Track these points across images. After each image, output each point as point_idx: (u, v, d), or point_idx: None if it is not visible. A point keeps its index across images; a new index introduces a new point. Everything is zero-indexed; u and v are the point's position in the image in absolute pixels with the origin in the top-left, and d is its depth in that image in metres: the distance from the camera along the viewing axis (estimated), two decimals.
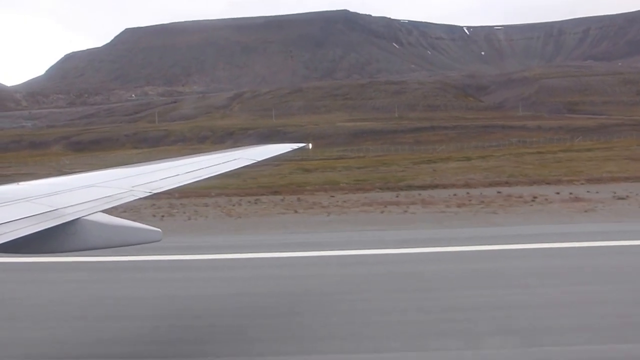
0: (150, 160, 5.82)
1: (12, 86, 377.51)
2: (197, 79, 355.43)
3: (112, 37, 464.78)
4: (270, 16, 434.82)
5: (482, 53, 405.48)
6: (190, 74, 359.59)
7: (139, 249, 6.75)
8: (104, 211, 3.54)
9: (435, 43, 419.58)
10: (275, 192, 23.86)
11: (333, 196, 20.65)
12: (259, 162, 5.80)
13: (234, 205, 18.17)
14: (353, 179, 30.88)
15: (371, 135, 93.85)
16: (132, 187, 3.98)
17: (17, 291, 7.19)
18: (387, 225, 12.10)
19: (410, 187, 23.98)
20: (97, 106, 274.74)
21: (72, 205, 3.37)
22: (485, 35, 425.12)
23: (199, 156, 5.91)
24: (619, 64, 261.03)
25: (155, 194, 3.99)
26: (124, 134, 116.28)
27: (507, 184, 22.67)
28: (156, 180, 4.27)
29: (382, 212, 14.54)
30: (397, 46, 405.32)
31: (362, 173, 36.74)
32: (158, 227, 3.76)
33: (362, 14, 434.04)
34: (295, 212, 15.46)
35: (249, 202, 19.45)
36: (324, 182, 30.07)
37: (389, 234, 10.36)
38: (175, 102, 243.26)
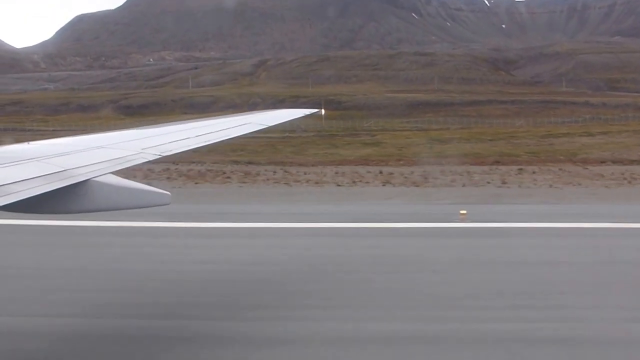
0: None
1: (23, 48, 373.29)
2: (214, 44, 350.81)
3: (123, 0, 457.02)
4: None
5: (503, 26, 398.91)
6: (207, 40, 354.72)
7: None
8: (113, 173, 3.50)
9: (455, 14, 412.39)
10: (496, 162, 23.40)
11: (587, 168, 20.28)
12: (269, 127, 5.66)
13: (513, 175, 17.70)
14: (524, 152, 30.37)
15: (429, 107, 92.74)
16: (142, 149, 3.96)
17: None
18: None
19: (617, 162, 23.49)
20: (116, 70, 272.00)
21: (82, 166, 3.35)
22: (506, 8, 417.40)
23: (209, 120, 5.77)
24: None
25: (164, 156, 3.97)
26: (170, 99, 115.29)
27: None
28: (166, 143, 4.25)
29: None
30: (416, 17, 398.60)
31: (511, 146, 36.17)
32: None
33: None
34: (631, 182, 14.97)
35: (517, 172, 18.97)
36: (500, 153, 29.55)
37: None
38: (196, 67, 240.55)
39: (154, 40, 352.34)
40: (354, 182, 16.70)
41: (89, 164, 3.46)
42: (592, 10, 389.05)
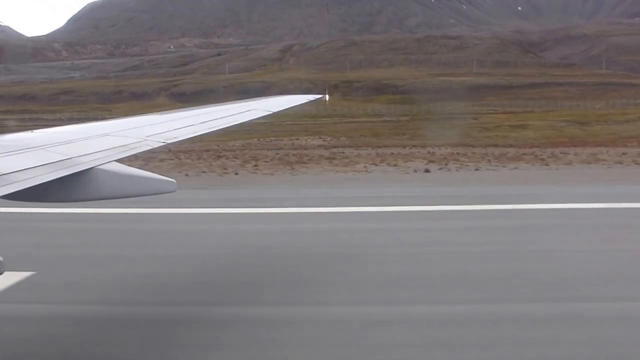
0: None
1: (35, 37, 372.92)
2: (233, 30, 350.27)
3: None
4: None
5: (519, 8, 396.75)
6: (225, 26, 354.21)
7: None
8: (117, 161, 3.55)
9: None
10: None
11: None
12: (274, 113, 5.68)
13: None
14: None
15: (487, 91, 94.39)
16: (147, 136, 4.01)
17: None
18: None
19: None
20: (138, 57, 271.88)
21: (86, 154, 3.38)
22: None
23: (213, 106, 5.85)
24: None
25: (169, 144, 4.01)
26: (221, 85, 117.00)
27: None
28: (170, 130, 4.29)
29: None
30: (432, 0, 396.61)
31: None
32: None
33: None
34: None
35: None
36: None
37: None
38: (219, 54, 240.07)
39: (172, 26, 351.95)
40: None
41: (93, 152, 3.47)
42: None
